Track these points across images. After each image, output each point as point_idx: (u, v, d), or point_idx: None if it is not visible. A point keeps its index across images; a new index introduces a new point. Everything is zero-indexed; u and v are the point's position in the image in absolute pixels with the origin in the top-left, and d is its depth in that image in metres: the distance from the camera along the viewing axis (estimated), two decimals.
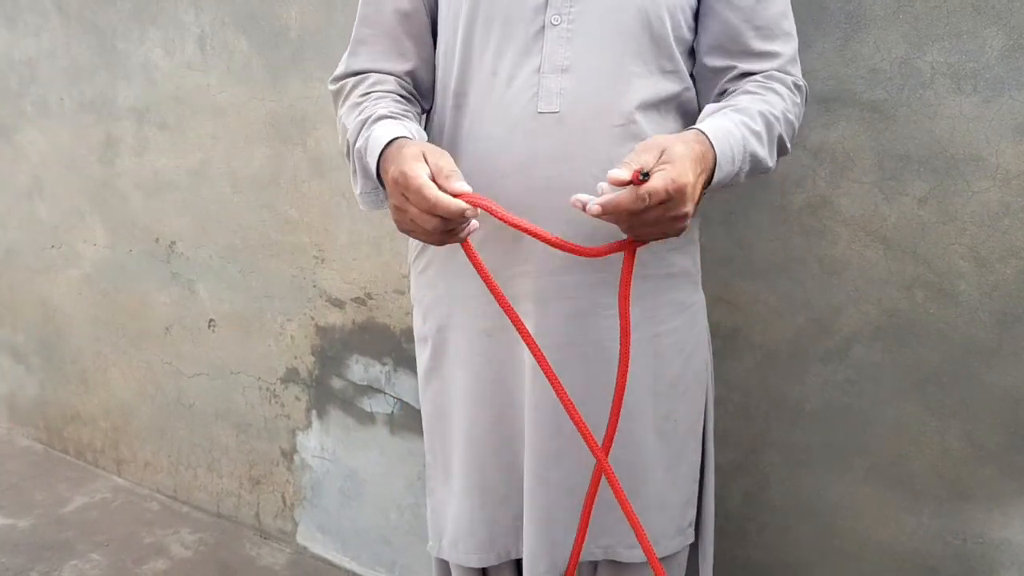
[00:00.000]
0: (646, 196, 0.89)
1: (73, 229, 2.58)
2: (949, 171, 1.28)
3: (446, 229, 0.97)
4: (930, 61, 1.26)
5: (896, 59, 1.28)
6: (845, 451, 1.46)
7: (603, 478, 1.11)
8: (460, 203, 0.93)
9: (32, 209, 2.68)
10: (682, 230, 0.97)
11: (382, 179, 1.04)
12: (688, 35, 1.12)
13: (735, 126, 1.01)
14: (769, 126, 1.05)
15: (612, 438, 1.09)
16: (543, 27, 1.07)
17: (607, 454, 1.08)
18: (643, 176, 0.89)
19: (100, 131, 2.38)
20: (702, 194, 0.99)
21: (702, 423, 1.28)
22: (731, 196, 1.45)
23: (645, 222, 0.93)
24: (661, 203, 0.90)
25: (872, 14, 1.29)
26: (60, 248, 2.64)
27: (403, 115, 1.12)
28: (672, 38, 1.09)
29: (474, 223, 0.98)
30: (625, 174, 0.89)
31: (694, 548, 1.33)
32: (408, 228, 1.01)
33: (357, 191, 1.14)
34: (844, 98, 1.33)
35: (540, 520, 1.21)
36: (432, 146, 1.01)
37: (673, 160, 0.91)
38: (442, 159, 0.98)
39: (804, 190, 1.39)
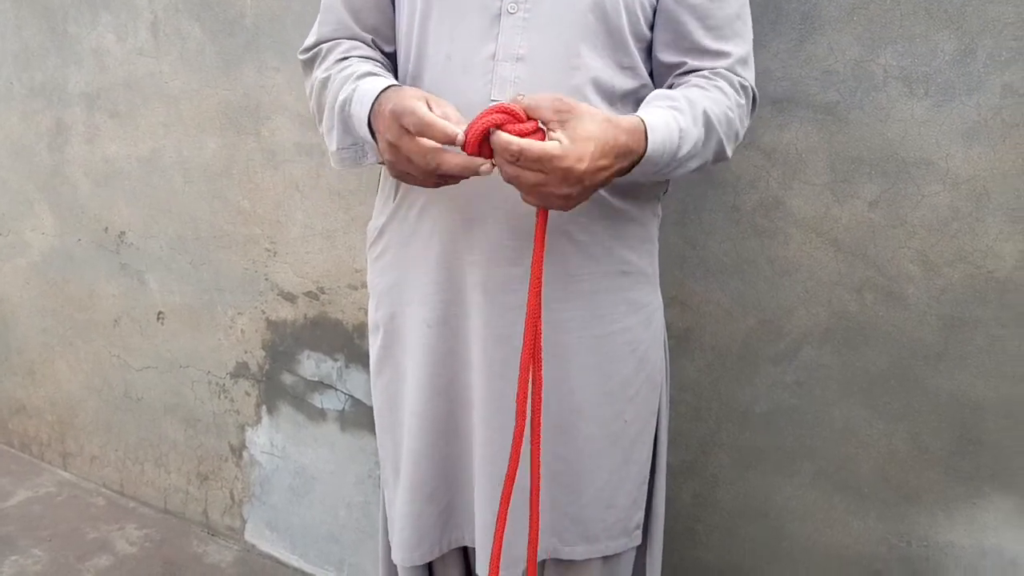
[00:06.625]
0: (517, 149, 0.88)
1: (21, 217, 2.51)
2: (900, 174, 1.28)
3: (440, 169, 0.95)
4: (883, 64, 1.26)
5: (849, 61, 1.28)
6: (793, 453, 1.46)
7: (531, 476, 1.08)
8: (453, 126, 0.91)
9: None
10: (564, 207, 0.95)
11: (372, 128, 1.01)
12: (646, 32, 1.10)
13: (676, 128, 0.98)
14: (709, 127, 1.03)
15: (526, 427, 1.05)
16: (499, 14, 1.06)
17: (538, 447, 1.06)
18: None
19: (50, 117, 2.32)
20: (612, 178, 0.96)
21: (654, 426, 1.27)
22: (685, 195, 1.44)
23: (522, 180, 0.91)
24: (536, 168, 0.89)
25: (827, 15, 1.28)
26: (7, 236, 2.57)
27: (390, 75, 1.11)
28: (628, 32, 1.08)
29: (486, 165, 0.94)
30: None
31: (642, 549, 1.32)
32: (403, 169, 0.99)
33: (333, 147, 1.11)
34: (798, 99, 1.33)
35: (488, 520, 1.19)
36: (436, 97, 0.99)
37: (575, 139, 0.89)
38: (448, 107, 0.96)
39: (757, 190, 1.39)
